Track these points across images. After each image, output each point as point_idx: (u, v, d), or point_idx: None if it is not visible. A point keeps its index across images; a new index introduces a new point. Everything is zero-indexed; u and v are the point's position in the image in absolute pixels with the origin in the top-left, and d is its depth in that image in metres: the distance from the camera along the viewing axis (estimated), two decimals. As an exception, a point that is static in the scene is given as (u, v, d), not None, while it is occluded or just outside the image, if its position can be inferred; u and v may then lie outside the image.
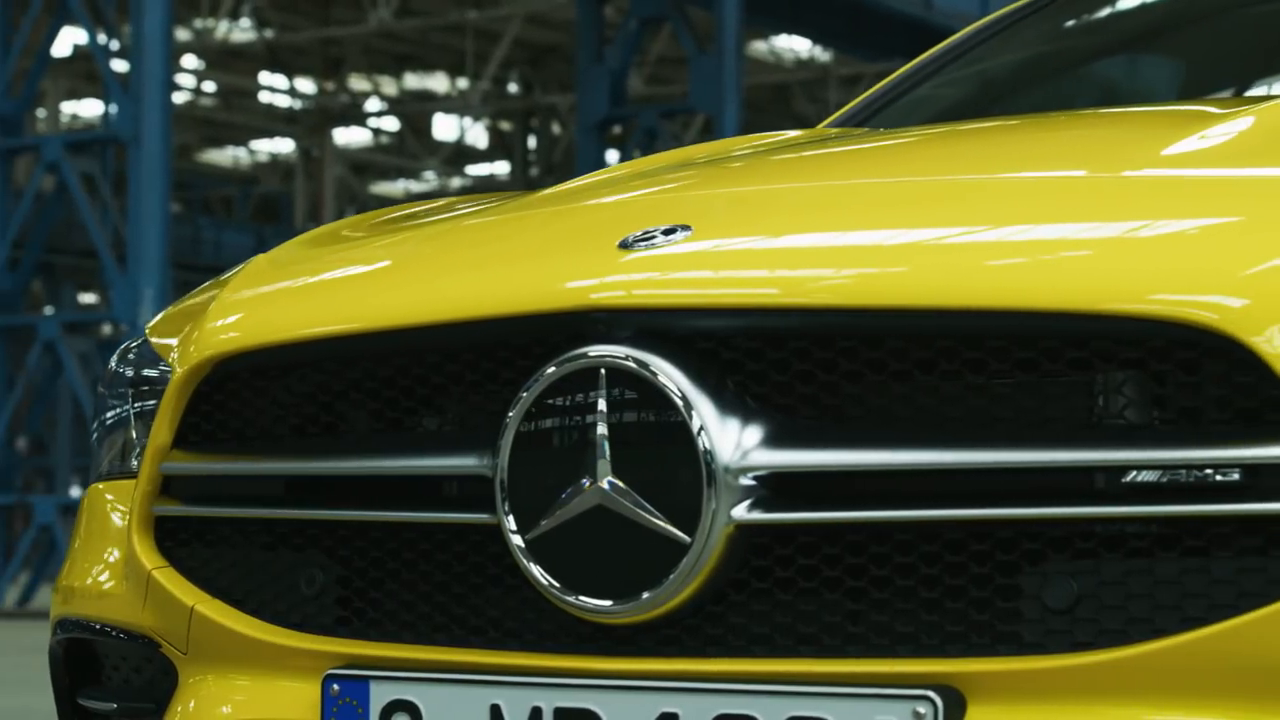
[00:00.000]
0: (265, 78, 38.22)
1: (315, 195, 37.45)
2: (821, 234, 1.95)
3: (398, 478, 2.03)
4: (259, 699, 2.07)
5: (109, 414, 2.38)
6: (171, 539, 2.19)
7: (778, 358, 1.85)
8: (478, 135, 40.33)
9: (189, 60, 37.20)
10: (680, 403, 1.82)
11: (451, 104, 37.09)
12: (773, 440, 1.82)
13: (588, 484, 1.86)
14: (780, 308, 1.84)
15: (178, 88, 37.90)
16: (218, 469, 2.15)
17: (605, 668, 1.87)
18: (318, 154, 36.98)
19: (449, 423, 2.04)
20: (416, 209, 2.60)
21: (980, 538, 1.78)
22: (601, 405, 1.85)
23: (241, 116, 38.73)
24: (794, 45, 35.00)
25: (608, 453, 1.85)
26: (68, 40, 29.00)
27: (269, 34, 34.91)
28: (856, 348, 1.82)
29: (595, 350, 1.86)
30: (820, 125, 3.42)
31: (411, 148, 38.41)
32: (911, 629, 1.79)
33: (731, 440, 1.81)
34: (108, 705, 2.27)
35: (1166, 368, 1.73)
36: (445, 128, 40.08)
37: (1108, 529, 1.74)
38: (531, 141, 38.31)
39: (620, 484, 1.85)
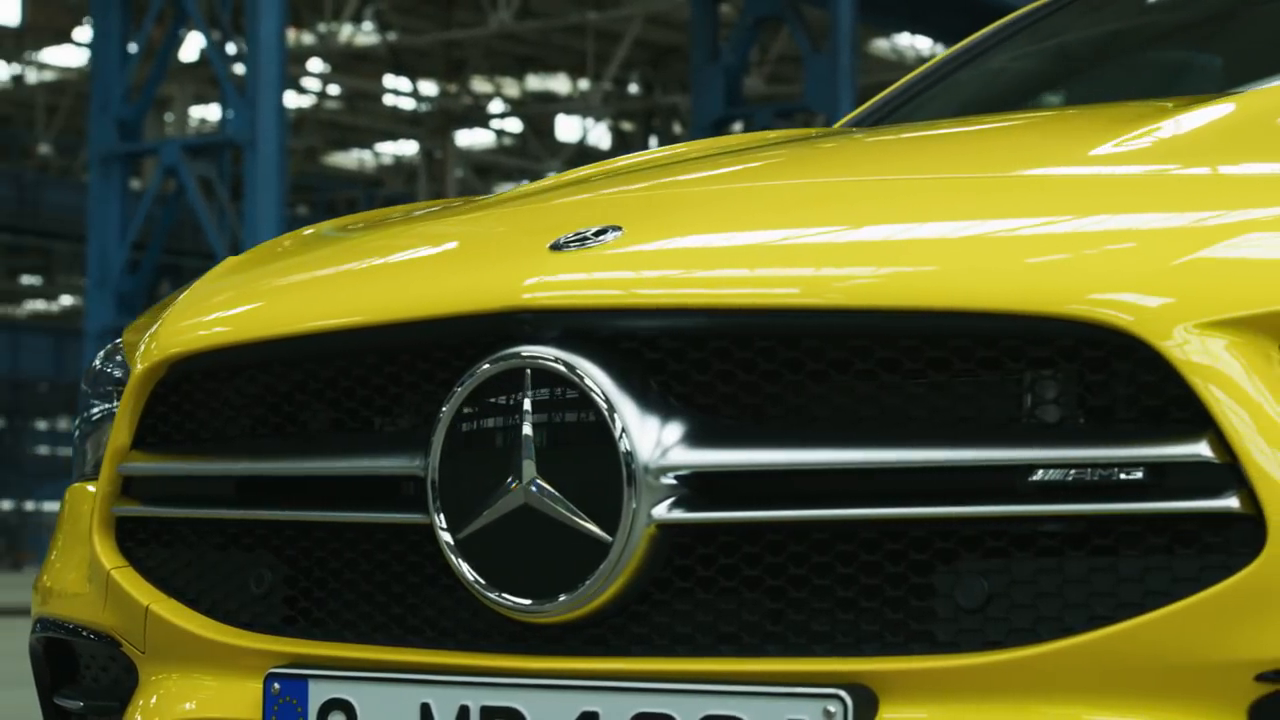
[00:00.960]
0: (389, 80, 38.50)
1: (438, 197, 37.69)
2: (743, 235, 1.95)
3: (338, 478, 2.05)
4: (210, 697, 2.10)
5: (91, 412, 2.41)
6: (132, 539, 2.22)
7: (699, 358, 1.85)
8: (600, 136, 40.42)
9: (314, 64, 37.54)
10: (602, 404, 1.83)
11: (573, 105, 37.21)
12: (693, 440, 1.83)
13: (514, 484, 1.87)
14: (699, 308, 1.85)
15: (303, 91, 38.25)
16: (172, 470, 2.18)
17: (531, 667, 1.88)
18: (440, 156, 37.20)
19: (389, 424, 2.05)
20: (385, 213, 2.62)
21: (895, 537, 1.78)
22: (527, 406, 1.86)
23: (365, 119, 39.05)
24: (916, 44, 34.85)
25: (533, 453, 1.86)
26: (194, 46, 29.27)
27: (392, 37, 35.15)
28: (774, 348, 1.83)
29: (521, 351, 1.87)
30: (837, 123, 3.43)
31: (534, 149, 38.55)
32: (828, 628, 1.79)
33: (652, 440, 1.82)
34: (76, 703, 2.30)
35: (1074, 367, 1.73)
36: (567, 129, 40.21)
37: (1018, 528, 1.74)
38: (653, 142, 38.35)
39: (544, 484, 1.86)
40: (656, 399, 1.85)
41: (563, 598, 1.85)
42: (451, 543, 1.91)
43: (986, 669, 1.71)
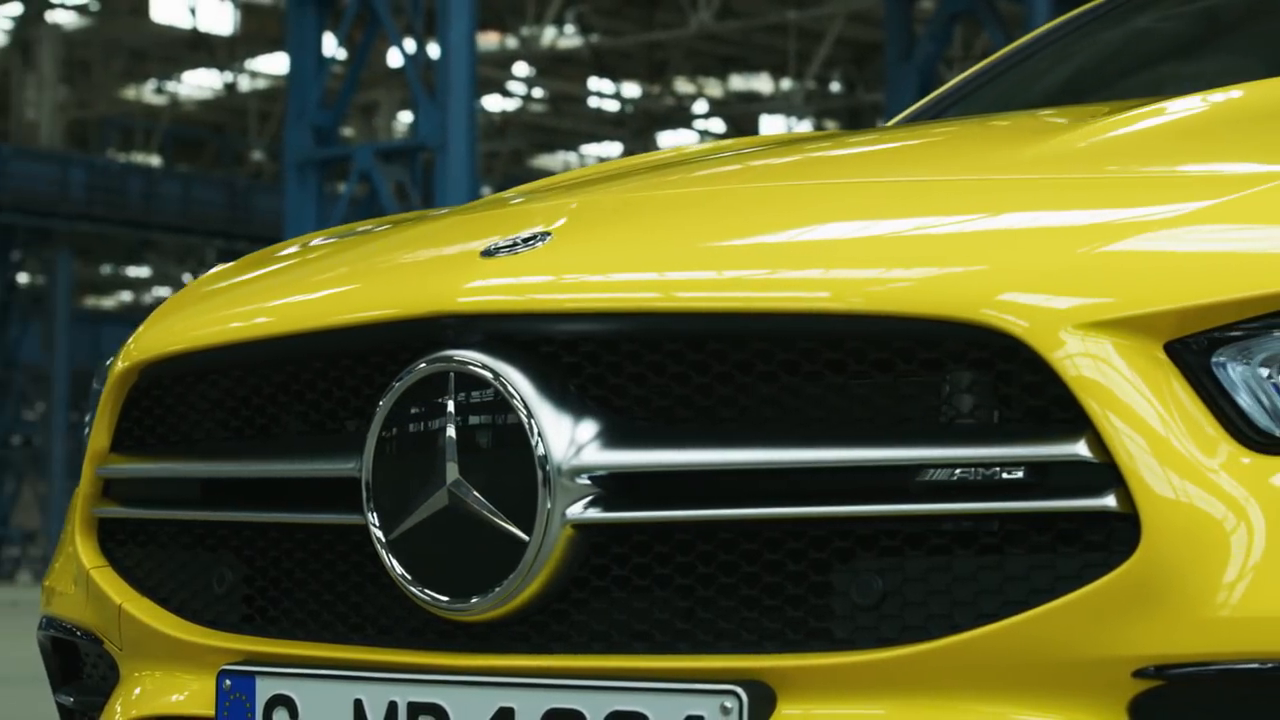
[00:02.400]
0: (592, 83, 38.78)
1: (642, 198, 37.84)
2: (658, 242, 1.99)
3: (285, 480, 2.10)
4: (176, 693, 2.16)
5: (89, 416, 2.49)
6: (112, 539, 2.30)
7: (613, 361, 1.89)
8: (803, 134, 40.32)
9: (519, 68, 37.90)
10: (519, 407, 1.87)
11: (776, 104, 37.21)
12: (607, 442, 1.86)
13: (438, 485, 1.91)
14: (612, 312, 1.89)
15: (508, 94, 38.62)
16: (144, 471, 2.26)
17: (456, 664, 1.92)
18: (644, 157, 37.33)
19: (336, 427, 2.10)
20: (361, 224, 2.67)
21: (796, 536, 1.81)
22: (451, 409, 1.91)
23: (569, 122, 39.37)
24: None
25: (456, 455, 1.90)
26: (398, 52, 29.72)
27: (594, 39, 35.39)
28: (682, 351, 1.86)
29: (444, 355, 1.92)
30: (891, 120, 3.44)
31: (737, 149, 38.55)
32: (734, 626, 1.82)
33: (566, 442, 1.86)
34: (68, 699, 2.39)
35: (962, 369, 1.75)
36: (771, 128, 40.22)
37: (911, 527, 1.76)
38: (857, 140, 38.18)
39: (466, 485, 1.89)
40: (574, 401, 1.88)
41: (483, 596, 1.89)
42: (384, 542, 1.95)
43: (880, 665, 1.73)
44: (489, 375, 1.89)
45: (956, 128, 2.62)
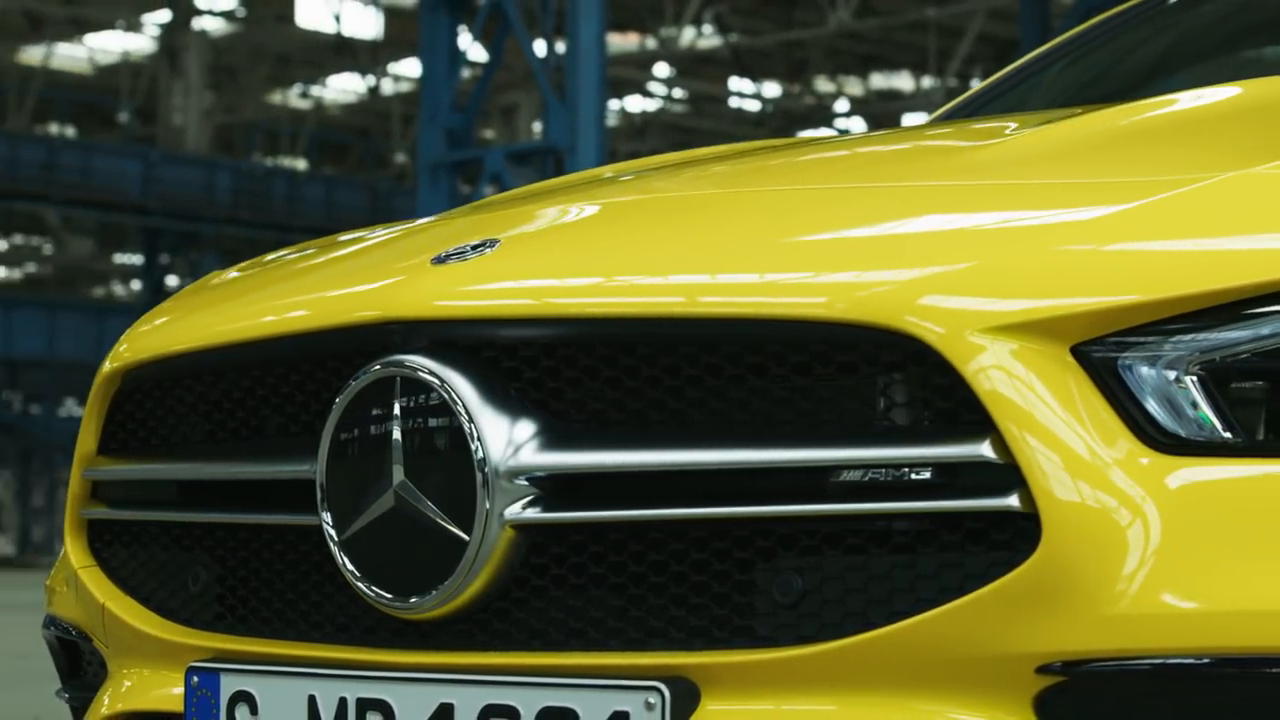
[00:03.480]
0: (733, 83, 38.79)
1: (782, 197, 37.81)
2: (597, 249, 2.04)
3: (254, 482, 2.16)
4: (152, 689, 2.23)
5: None
6: (100, 540, 2.37)
7: (549, 365, 1.93)
8: (946, 132, 40.11)
9: (660, 68, 37.97)
10: (460, 410, 1.91)
11: (917, 102, 37.04)
12: (543, 444, 1.91)
13: (386, 487, 1.96)
14: (549, 318, 1.93)
15: (648, 95, 38.70)
16: (126, 474, 2.32)
17: (402, 660, 1.97)
18: (784, 156, 37.29)
19: (299, 429, 2.15)
20: (342, 235, 2.72)
21: (721, 535, 1.84)
22: (397, 412, 1.95)
23: (710, 122, 39.39)
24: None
25: (401, 457, 1.95)
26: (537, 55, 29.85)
27: (733, 39, 35.41)
28: (614, 355, 1.90)
29: (390, 360, 1.97)
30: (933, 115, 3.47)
31: (879, 147, 38.43)
32: (663, 623, 1.86)
33: (504, 444, 1.90)
34: (64, 695, 2.46)
35: (876, 372, 1.79)
36: (913, 126, 40.01)
37: (829, 526, 1.79)
38: (999, 137, 37.95)
39: (411, 487, 1.94)
40: (514, 405, 1.92)
41: (423, 596, 1.94)
42: (337, 541, 2.00)
43: (800, 661, 1.77)
44: (432, 380, 1.93)
45: (905, 134, 2.65)
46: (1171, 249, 1.76)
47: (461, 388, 1.92)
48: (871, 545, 1.78)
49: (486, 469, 1.89)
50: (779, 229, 1.98)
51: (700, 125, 39.64)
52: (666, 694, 1.80)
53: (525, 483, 1.90)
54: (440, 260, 2.04)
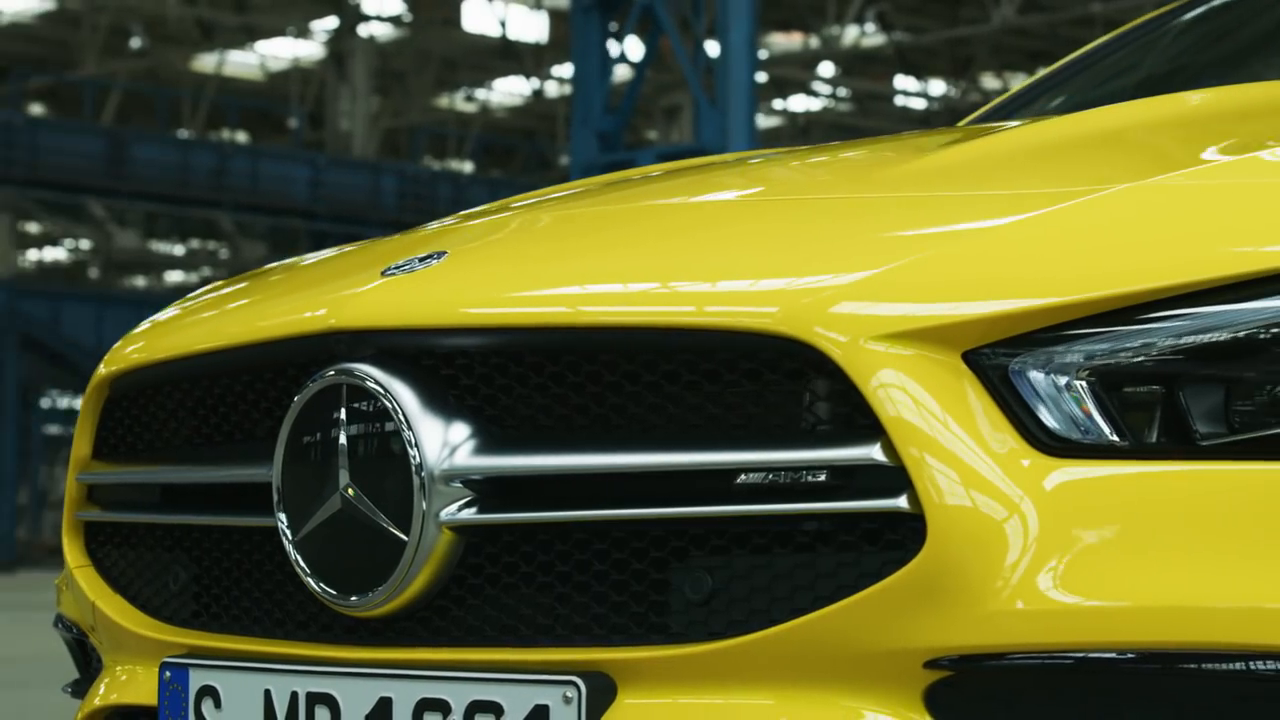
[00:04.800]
0: (898, 81, 38.63)
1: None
2: (529, 262, 2.13)
3: (223, 485, 2.25)
4: (135, 684, 2.32)
5: None
6: (95, 541, 2.47)
7: (483, 373, 2.01)
8: (1114, 128, 39.68)
9: (824, 68, 37.90)
10: (399, 416, 1.99)
11: (1084, 98, 36.65)
12: (476, 448, 1.98)
13: (333, 490, 2.04)
14: (480, 327, 2.01)
15: (813, 94, 38.62)
16: (115, 478, 2.42)
17: (350, 656, 2.05)
18: (951, 154, 37.09)
19: (262, 434, 2.23)
20: (329, 249, 2.81)
21: (639, 536, 1.91)
22: (342, 418, 2.03)
23: (875, 121, 39.25)
24: None
25: (347, 462, 2.03)
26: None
27: (897, 37, 35.28)
28: (541, 362, 1.98)
29: (340, 368, 2.05)
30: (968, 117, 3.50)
31: (1046, 144, 38.11)
32: (586, 620, 1.94)
33: (439, 449, 1.97)
34: (67, 689, 2.56)
35: (779, 378, 1.85)
36: (1081, 122, 39.66)
37: (735, 527, 1.86)
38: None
39: (356, 490, 2.02)
40: (451, 411, 2.00)
41: (363, 595, 2.02)
42: (292, 542, 2.08)
43: (710, 656, 1.84)
44: (374, 387, 2.01)
45: (826, 149, 2.70)
46: (1062, 258, 1.82)
47: (402, 395, 1.99)
48: (776, 545, 1.84)
49: (423, 473, 1.97)
50: (692, 242, 2.06)
51: (865, 124, 39.52)
52: (583, 688, 1.87)
53: (460, 485, 1.97)
54: (389, 272, 2.12)
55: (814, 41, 36.43)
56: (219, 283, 2.67)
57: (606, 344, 1.93)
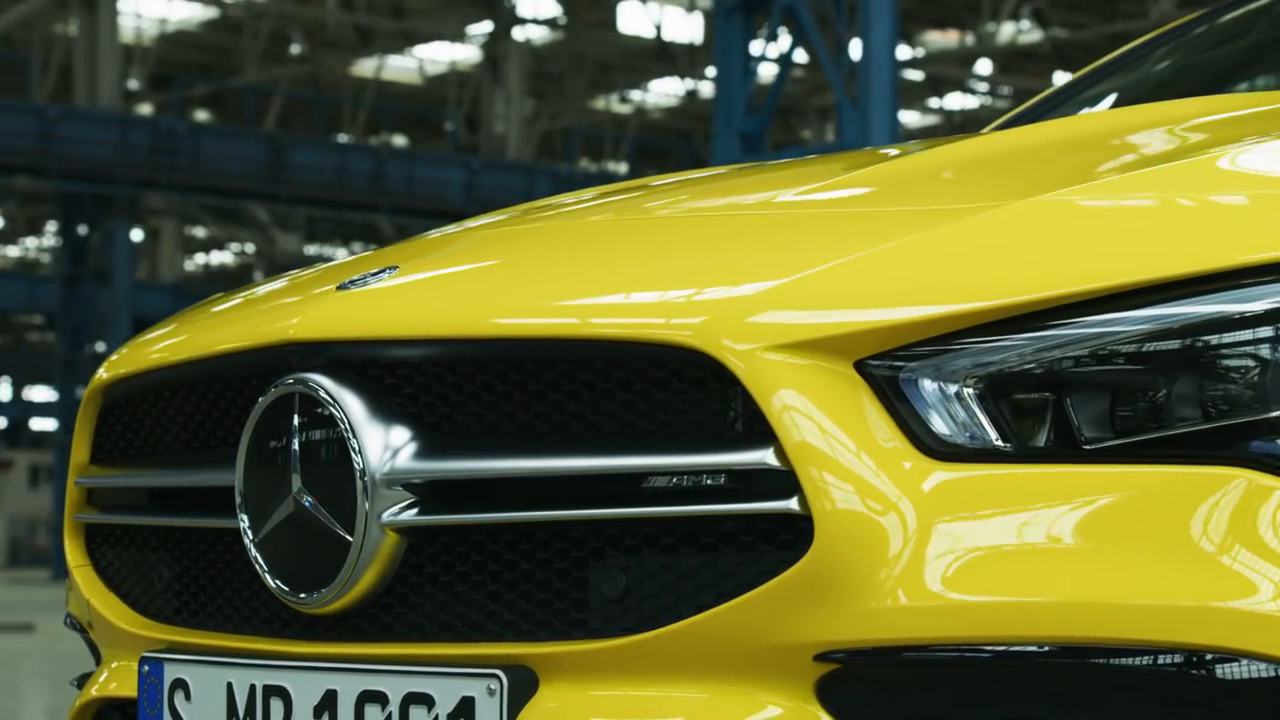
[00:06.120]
0: (1057, 78, 38.31)
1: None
2: (469, 275, 2.24)
3: (195, 489, 2.36)
4: (124, 677, 2.43)
5: None
6: (93, 541, 2.58)
7: (423, 381, 2.10)
8: None
9: (981, 65, 37.69)
10: (344, 423, 2.09)
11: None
12: (415, 454, 2.08)
13: (287, 493, 2.15)
14: (417, 339, 2.11)
15: (971, 93, 38.43)
16: (104, 481, 2.53)
17: (299, 651, 2.15)
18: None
19: (233, 441, 2.33)
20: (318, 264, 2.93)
21: (561, 536, 2.00)
22: (295, 425, 2.13)
23: (1032, 117, 38.92)
24: None
25: (299, 467, 2.13)
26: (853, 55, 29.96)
27: (1055, 34, 35.02)
28: (472, 371, 2.07)
29: (294, 378, 2.15)
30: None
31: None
32: (515, 616, 2.03)
33: (380, 454, 2.07)
34: (74, 683, 2.68)
35: (686, 386, 1.94)
36: (1243, 117, 39.13)
37: (646, 528, 1.95)
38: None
39: (306, 493, 2.12)
40: (394, 418, 2.10)
41: (319, 591, 2.11)
42: (253, 542, 2.18)
43: (622, 650, 1.93)
44: (323, 396, 2.11)
45: (747, 169, 2.79)
46: (951, 271, 1.90)
47: (349, 403, 2.09)
48: (683, 545, 1.92)
49: (366, 477, 2.06)
50: (610, 258, 2.16)
51: (1022, 121, 39.24)
52: (505, 681, 1.96)
53: (401, 489, 2.06)
54: (343, 287, 2.23)
55: (970, 39, 36.25)
56: (217, 295, 2.78)
57: (529, 354, 2.02)
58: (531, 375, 2.02)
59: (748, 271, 1.97)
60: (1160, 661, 1.74)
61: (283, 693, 2.13)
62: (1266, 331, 1.81)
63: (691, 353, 1.90)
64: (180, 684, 2.25)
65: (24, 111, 29.61)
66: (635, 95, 41.18)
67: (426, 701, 2.00)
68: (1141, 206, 1.97)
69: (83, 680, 2.64)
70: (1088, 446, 1.81)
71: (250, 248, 43.88)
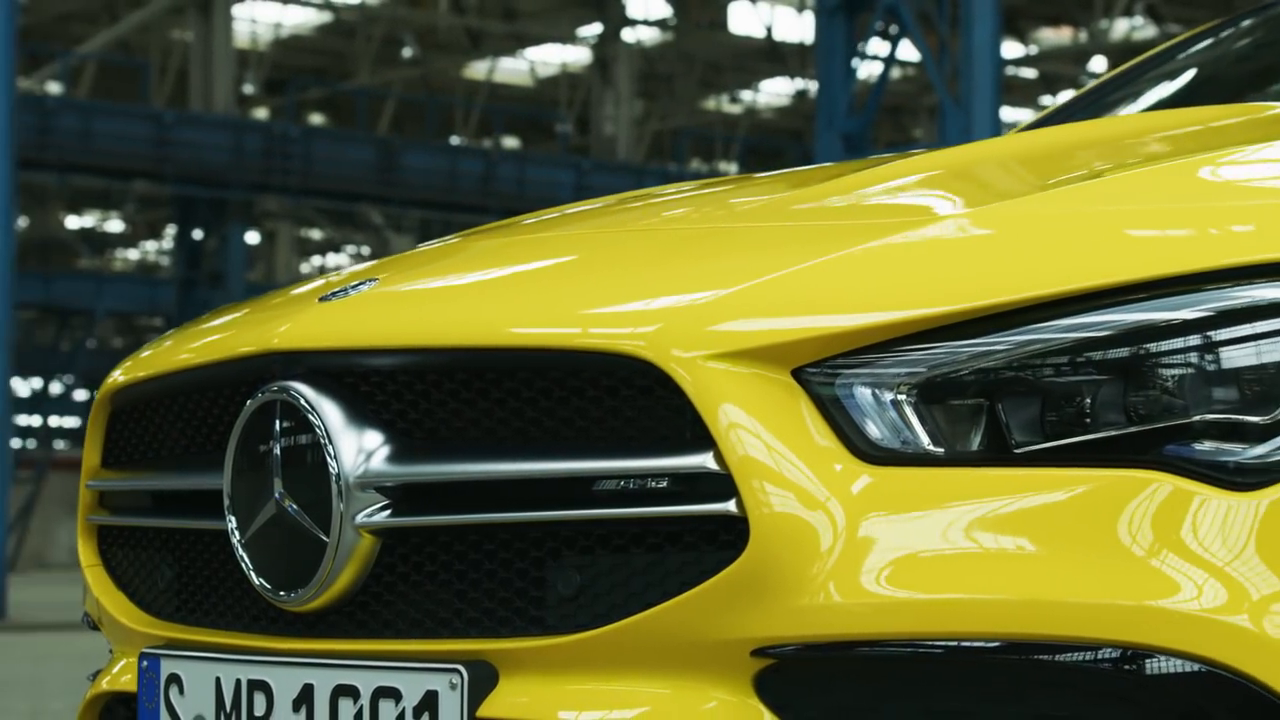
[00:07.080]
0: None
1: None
2: (440, 285, 2.34)
3: (191, 492, 2.45)
4: (129, 673, 2.52)
5: None
6: (105, 542, 2.67)
7: (394, 389, 2.19)
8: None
9: (1095, 62, 37.45)
10: (320, 429, 2.18)
11: (1362, 87, 35.77)
12: (387, 458, 2.16)
13: (269, 496, 2.23)
14: (389, 348, 2.19)
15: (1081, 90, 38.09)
16: (112, 485, 2.63)
17: (281, 647, 2.23)
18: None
19: (223, 446, 2.42)
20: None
21: (521, 537, 2.08)
22: (277, 431, 2.22)
23: (1146, 114, 38.63)
24: None
25: (280, 471, 2.22)
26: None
27: (1168, 29, 34.75)
28: (440, 379, 2.16)
29: (276, 385, 2.24)
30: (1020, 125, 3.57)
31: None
32: (478, 614, 2.11)
33: (354, 458, 2.16)
34: (90, 679, 2.77)
35: (632, 393, 2.02)
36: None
37: (597, 529, 2.03)
38: None
39: (287, 496, 2.21)
40: (368, 424, 2.18)
41: (299, 590, 2.20)
42: (240, 543, 2.27)
43: (576, 646, 2.01)
44: (302, 403, 2.20)
45: (731, 182, 2.85)
46: (886, 281, 1.98)
47: (326, 409, 2.18)
48: (632, 545, 2.00)
49: (340, 481, 2.15)
50: (570, 271, 2.26)
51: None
52: (465, 675, 2.05)
53: (374, 492, 2.15)
54: (325, 298, 2.31)
55: (1083, 36, 36.04)
56: (225, 306, 2.87)
57: (490, 363, 2.11)
58: (493, 383, 2.10)
59: (691, 283, 2.05)
60: (1075, 657, 1.81)
61: (265, 687, 2.22)
62: (1188, 340, 1.88)
63: (638, 361, 1.98)
64: (175, 679, 2.34)
65: (141, 117, 30.01)
66: (746, 95, 41.23)
67: (394, 695, 2.08)
68: (1069, 217, 2.03)
69: (96, 675, 2.73)
70: (1018, 450, 1.88)
71: (365, 250, 44.25)
